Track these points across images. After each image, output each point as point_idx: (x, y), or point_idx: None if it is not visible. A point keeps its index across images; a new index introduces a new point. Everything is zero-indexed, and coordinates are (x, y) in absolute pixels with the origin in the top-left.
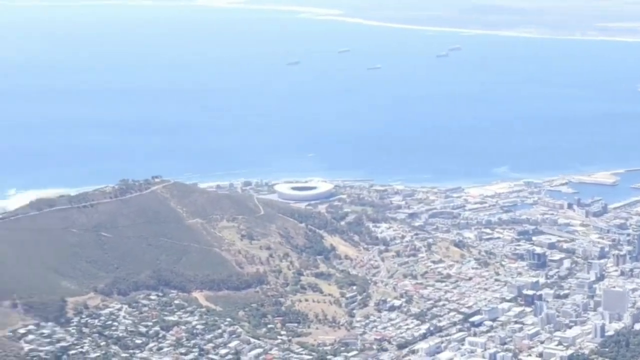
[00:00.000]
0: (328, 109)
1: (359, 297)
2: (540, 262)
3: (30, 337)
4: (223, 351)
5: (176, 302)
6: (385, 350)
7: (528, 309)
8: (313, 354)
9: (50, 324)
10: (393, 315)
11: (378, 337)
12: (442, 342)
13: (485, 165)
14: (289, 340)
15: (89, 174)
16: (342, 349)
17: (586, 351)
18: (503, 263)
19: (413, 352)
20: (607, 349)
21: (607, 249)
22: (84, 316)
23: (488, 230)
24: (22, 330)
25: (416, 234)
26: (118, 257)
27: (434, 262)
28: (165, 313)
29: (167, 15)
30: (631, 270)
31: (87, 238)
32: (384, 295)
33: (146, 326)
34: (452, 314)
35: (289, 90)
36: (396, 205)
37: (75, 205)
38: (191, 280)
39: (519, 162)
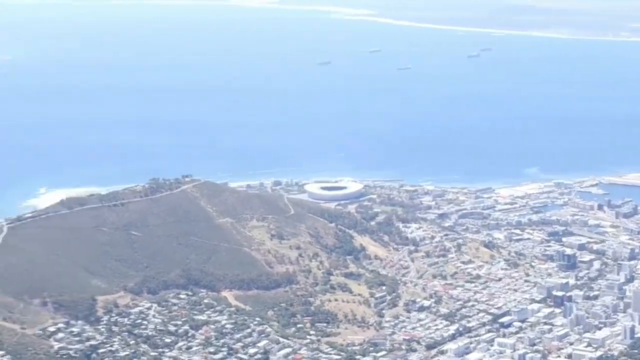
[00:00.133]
0: (359, 109)
1: (388, 297)
2: (570, 263)
3: (60, 335)
4: (252, 350)
5: (205, 301)
6: (414, 350)
7: (557, 310)
8: (342, 354)
9: (80, 322)
10: (422, 315)
11: (407, 338)
12: (471, 343)
13: (516, 166)
14: (318, 340)
15: (120, 172)
16: (371, 349)
17: (615, 353)
18: (533, 264)
19: (442, 352)
20: (636, 351)
21: (637, 251)
22: (113, 315)
23: (518, 231)
24: (51, 329)
25: (446, 235)
26: (148, 256)
27: (463, 262)
28: (195, 312)
29: (200, 15)
30: None
31: (117, 237)
32: (413, 296)
33: (175, 325)
34: (481, 314)
35: (319, 90)
36: (426, 205)
37: (106, 204)
38: (220, 280)
39: (549, 162)
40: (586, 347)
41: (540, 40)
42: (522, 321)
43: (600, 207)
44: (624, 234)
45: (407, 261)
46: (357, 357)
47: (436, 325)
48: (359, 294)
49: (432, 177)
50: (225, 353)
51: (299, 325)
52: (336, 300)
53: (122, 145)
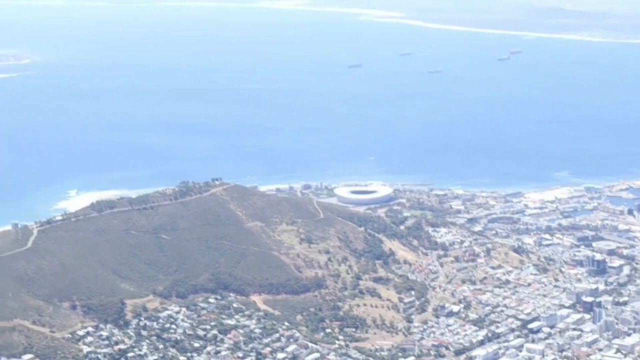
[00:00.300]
0: (389, 112)
1: (417, 302)
2: (599, 269)
3: (89, 339)
4: (280, 355)
5: (234, 305)
6: (443, 356)
7: (587, 316)
8: (370, 359)
9: (109, 326)
10: (451, 321)
11: (435, 343)
12: (499, 349)
13: (546, 170)
14: (347, 345)
15: (150, 175)
16: (400, 354)
17: None
18: (562, 269)
19: (470, 358)
20: None
21: None
22: (142, 319)
23: (547, 236)
24: (80, 332)
25: (475, 239)
26: (177, 259)
27: (492, 267)
28: (224, 316)
29: (230, 17)
30: None
31: (146, 240)
32: (442, 301)
33: (204, 329)
34: (510, 320)
35: (350, 93)
36: (455, 209)
37: (136, 207)
38: (249, 284)
39: (579, 167)
40: (615, 353)
41: (571, 43)
42: (551, 327)
43: (630, 212)
44: None
45: (436, 266)
46: None
47: (465, 330)
48: (388, 299)
49: (461, 181)
50: (253, 358)
51: (327, 330)
52: (365, 305)
53: (152, 147)
